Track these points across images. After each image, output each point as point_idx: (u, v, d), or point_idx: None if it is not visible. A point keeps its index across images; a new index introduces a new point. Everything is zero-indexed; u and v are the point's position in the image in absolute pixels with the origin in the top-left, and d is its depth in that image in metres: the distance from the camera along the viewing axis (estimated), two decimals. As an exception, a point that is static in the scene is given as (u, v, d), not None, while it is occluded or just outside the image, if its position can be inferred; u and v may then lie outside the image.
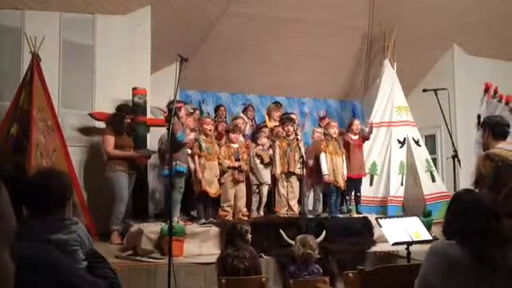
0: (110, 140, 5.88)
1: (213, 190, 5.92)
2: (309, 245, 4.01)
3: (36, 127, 5.56)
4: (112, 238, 5.74)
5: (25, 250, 1.38)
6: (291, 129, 6.41)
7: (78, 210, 5.60)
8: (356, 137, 6.86)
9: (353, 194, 6.85)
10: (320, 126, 7.35)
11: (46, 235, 2.03)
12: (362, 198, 6.94)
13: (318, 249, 4.06)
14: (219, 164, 6.03)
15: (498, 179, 3.12)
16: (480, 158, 3.44)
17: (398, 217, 4.68)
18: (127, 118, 6.09)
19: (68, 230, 2.14)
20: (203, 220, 5.80)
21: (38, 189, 2.07)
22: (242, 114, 7.65)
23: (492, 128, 3.59)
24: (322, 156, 6.41)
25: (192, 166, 5.91)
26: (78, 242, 2.18)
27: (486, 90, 3.99)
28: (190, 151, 5.88)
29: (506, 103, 3.90)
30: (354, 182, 6.74)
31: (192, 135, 5.81)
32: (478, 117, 3.91)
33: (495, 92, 3.95)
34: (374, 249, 5.66)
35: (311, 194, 7.14)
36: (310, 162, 6.60)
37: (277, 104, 8.07)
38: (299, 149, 6.15)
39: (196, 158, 5.87)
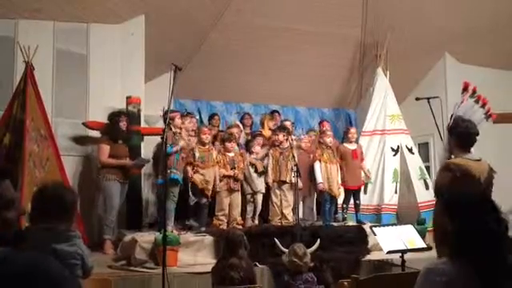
0: (105, 149, 5.86)
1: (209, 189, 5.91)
2: (295, 254, 3.99)
3: (29, 136, 5.54)
4: (105, 248, 5.71)
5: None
6: (281, 137, 6.34)
7: None
8: (353, 146, 6.87)
9: (351, 202, 6.84)
10: (320, 132, 7.16)
11: (50, 244, 2.09)
12: (357, 207, 6.95)
13: (306, 257, 4.01)
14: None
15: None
16: (440, 168, 3.27)
17: (392, 225, 4.68)
18: (121, 121, 6.06)
19: (71, 242, 2.20)
20: (197, 228, 5.78)
21: (55, 200, 2.18)
22: (238, 122, 7.64)
23: (458, 136, 3.36)
24: (317, 164, 6.41)
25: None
26: (80, 255, 2.23)
27: (465, 88, 3.79)
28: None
29: (483, 106, 3.71)
30: (352, 192, 6.75)
31: (182, 142, 5.79)
32: (451, 118, 3.66)
33: (474, 91, 3.75)
34: (368, 257, 5.65)
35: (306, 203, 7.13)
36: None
37: (272, 113, 8.05)
38: (293, 157, 6.12)
39: (190, 166, 5.86)
